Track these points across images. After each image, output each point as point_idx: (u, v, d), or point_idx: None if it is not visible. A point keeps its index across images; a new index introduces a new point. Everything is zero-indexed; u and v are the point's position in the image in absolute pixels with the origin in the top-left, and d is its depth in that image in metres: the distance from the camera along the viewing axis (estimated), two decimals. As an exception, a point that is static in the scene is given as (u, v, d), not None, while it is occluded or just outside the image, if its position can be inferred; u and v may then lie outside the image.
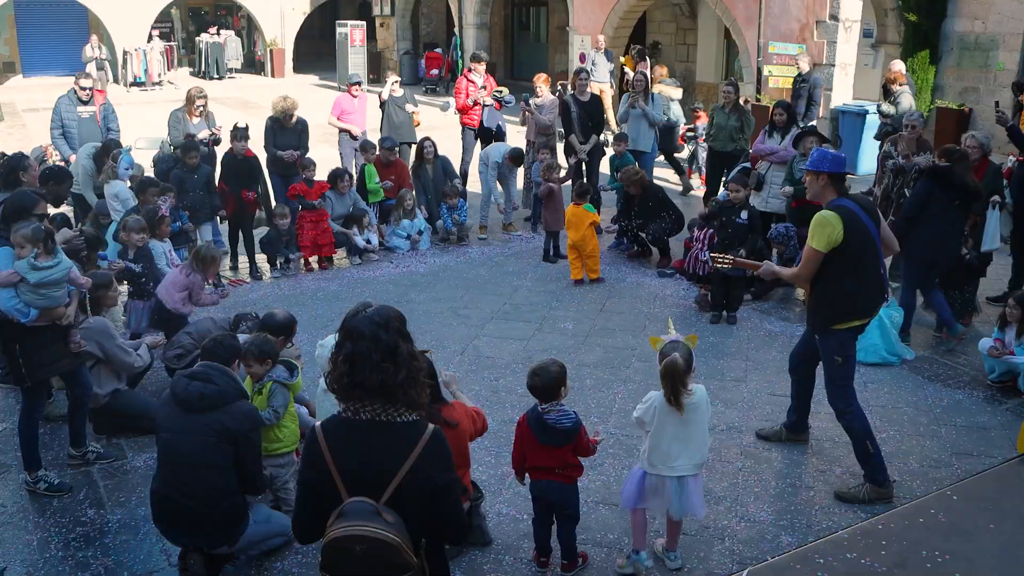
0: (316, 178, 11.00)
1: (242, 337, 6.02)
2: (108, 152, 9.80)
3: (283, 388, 5.53)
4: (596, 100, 12.80)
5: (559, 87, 14.20)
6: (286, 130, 11.50)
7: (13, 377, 6.04)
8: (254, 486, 5.10)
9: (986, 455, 6.30)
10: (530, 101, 13.18)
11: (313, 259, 10.80)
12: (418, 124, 13.96)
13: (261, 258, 10.85)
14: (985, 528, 3.21)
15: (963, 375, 7.80)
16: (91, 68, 26.59)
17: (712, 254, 6.19)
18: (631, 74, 18.38)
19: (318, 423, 3.27)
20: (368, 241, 11.13)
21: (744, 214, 9.22)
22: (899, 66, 14.51)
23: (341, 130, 13.38)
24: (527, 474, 5.10)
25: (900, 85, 13.58)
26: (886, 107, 13.55)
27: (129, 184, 9.51)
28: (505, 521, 5.58)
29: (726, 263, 6.13)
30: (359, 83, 13.77)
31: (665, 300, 9.78)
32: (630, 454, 6.32)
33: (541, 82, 13.22)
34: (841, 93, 16.41)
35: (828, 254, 5.55)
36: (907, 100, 13.16)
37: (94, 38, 29.94)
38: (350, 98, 13.46)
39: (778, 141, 10.45)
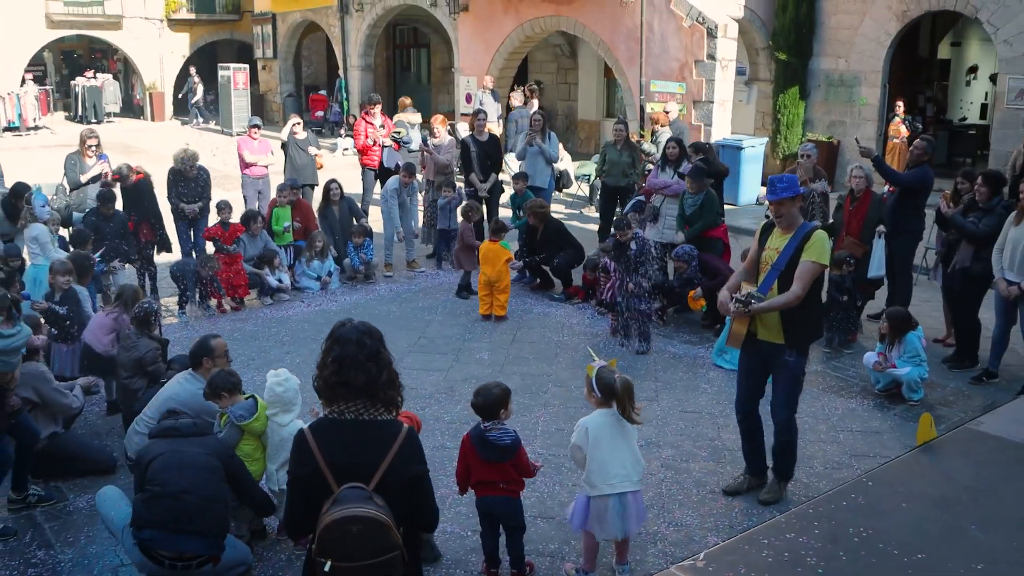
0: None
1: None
2: (19, 196, 9.80)
3: (234, 428, 5.73)
4: (494, 140, 13.28)
5: (447, 127, 14.64)
6: (188, 180, 11.62)
7: None
8: (260, 504, 5.49)
9: (880, 455, 6.92)
10: (428, 141, 13.59)
11: (226, 301, 10.92)
12: (321, 167, 14.22)
13: (168, 300, 10.98)
14: (898, 507, 3.72)
15: (853, 386, 8.49)
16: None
17: (736, 297, 6.07)
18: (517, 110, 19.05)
19: (306, 426, 3.64)
20: (280, 281, 11.32)
21: (633, 245, 9.78)
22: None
23: (244, 172, 13.54)
24: (473, 490, 5.43)
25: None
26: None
27: (46, 223, 9.57)
28: (451, 538, 5.89)
29: (747, 303, 5.96)
30: (258, 125, 13.96)
31: (572, 328, 10.26)
32: (559, 471, 6.73)
33: (438, 123, 13.65)
34: (719, 127, 17.30)
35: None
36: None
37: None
38: (250, 140, 13.63)
39: (671, 175, 11.06)
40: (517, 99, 18.02)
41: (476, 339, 9.92)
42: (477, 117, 13.17)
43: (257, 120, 14.39)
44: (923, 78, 21.70)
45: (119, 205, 10.98)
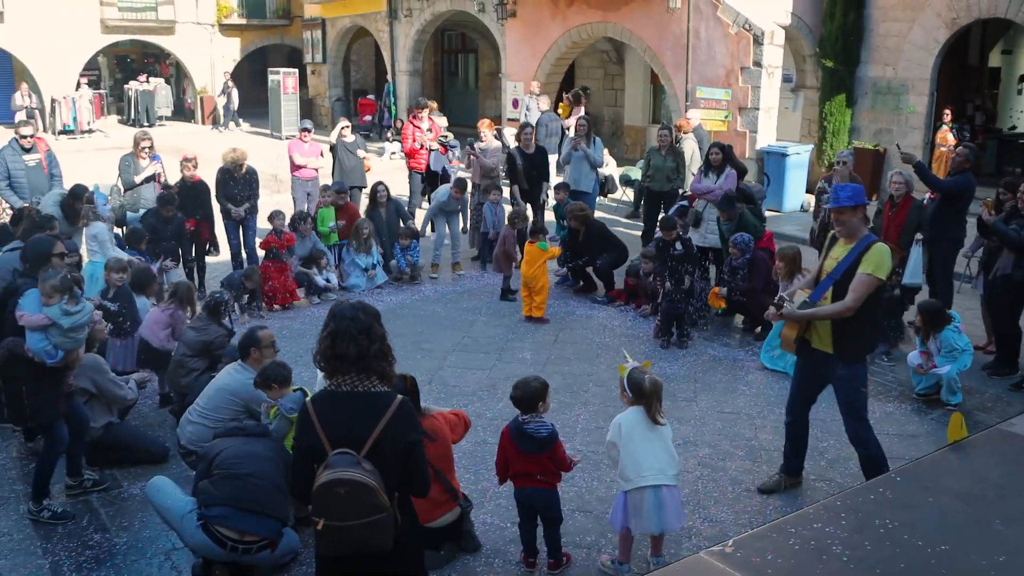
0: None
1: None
2: (77, 198, 10.12)
3: (284, 419, 5.95)
4: (541, 151, 13.35)
5: (494, 131, 14.77)
6: (236, 180, 11.89)
7: (14, 417, 6.41)
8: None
9: (914, 458, 6.97)
10: (475, 145, 13.77)
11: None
12: (368, 170, 14.45)
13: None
14: (924, 502, 3.83)
15: (892, 390, 8.53)
16: (20, 116, 26.57)
17: (774, 304, 6.17)
18: (566, 121, 19.23)
19: (308, 398, 3.98)
20: (327, 280, 11.54)
21: (678, 245, 9.92)
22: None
23: (294, 174, 13.80)
24: (512, 481, 5.59)
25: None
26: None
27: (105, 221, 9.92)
28: (491, 529, 6.06)
29: (779, 307, 6.10)
30: (308, 128, 14.23)
31: (614, 330, 10.38)
32: (597, 467, 6.87)
33: (485, 127, 13.82)
34: (765, 134, 17.32)
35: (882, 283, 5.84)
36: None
37: (24, 86, 29.94)
38: (301, 143, 13.90)
39: (714, 180, 11.15)
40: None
41: (519, 339, 10.07)
42: (524, 131, 13.28)
43: (307, 123, 14.67)
44: (972, 86, 21.51)
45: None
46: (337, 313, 3.87)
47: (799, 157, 17.17)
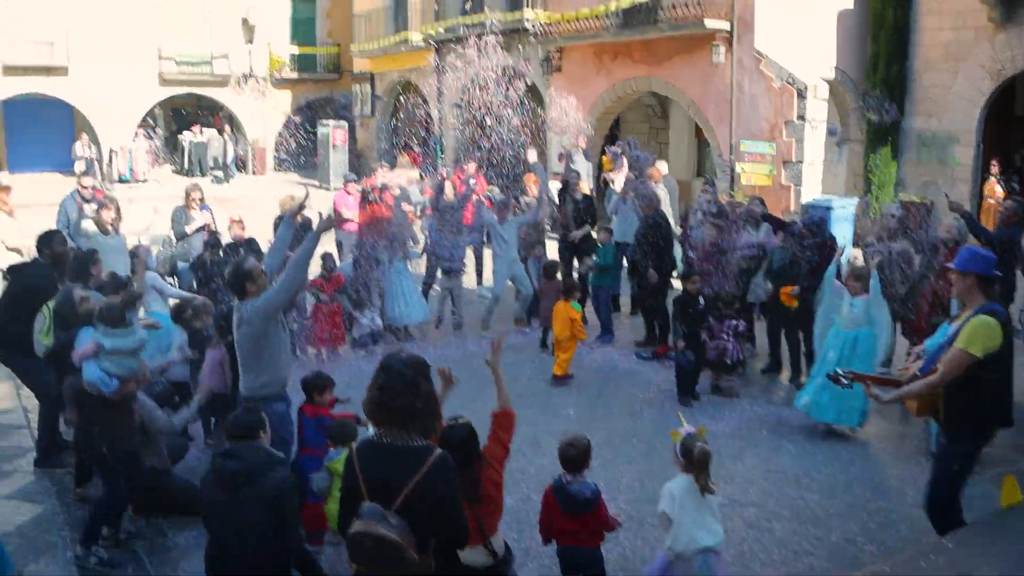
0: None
1: None
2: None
3: (328, 475, 6.05)
4: (587, 199, 13.48)
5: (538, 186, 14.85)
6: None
7: (92, 456, 6.58)
8: (295, 549, 5.40)
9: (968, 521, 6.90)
10: (520, 200, 13.90)
11: (324, 349, 11.28)
12: (413, 221, 14.61)
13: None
14: (978, 570, 3.81)
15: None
16: (80, 166, 27.27)
17: (837, 372, 6.08)
18: (610, 174, 19.33)
19: (354, 446, 4.14)
20: (372, 320, 11.59)
21: (701, 299, 10.01)
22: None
23: (340, 226, 14.01)
24: (555, 539, 5.62)
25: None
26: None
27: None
28: (535, 587, 6.08)
29: (847, 380, 6.00)
30: (354, 180, 14.51)
31: (658, 386, 10.34)
32: (641, 526, 6.87)
33: (530, 182, 13.96)
34: (810, 188, 17.32)
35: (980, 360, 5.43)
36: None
37: (84, 137, 30.84)
38: (345, 195, 14.14)
39: (759, 235, 11.17)
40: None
41: (563, 394, 10.12)
42: (571, 175, 13.46)
43: (353, 175, 14.94)
44: (1019, 138, 21.34)
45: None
46: (386, 365, 4.02)
47: (844, 211, 17.09)
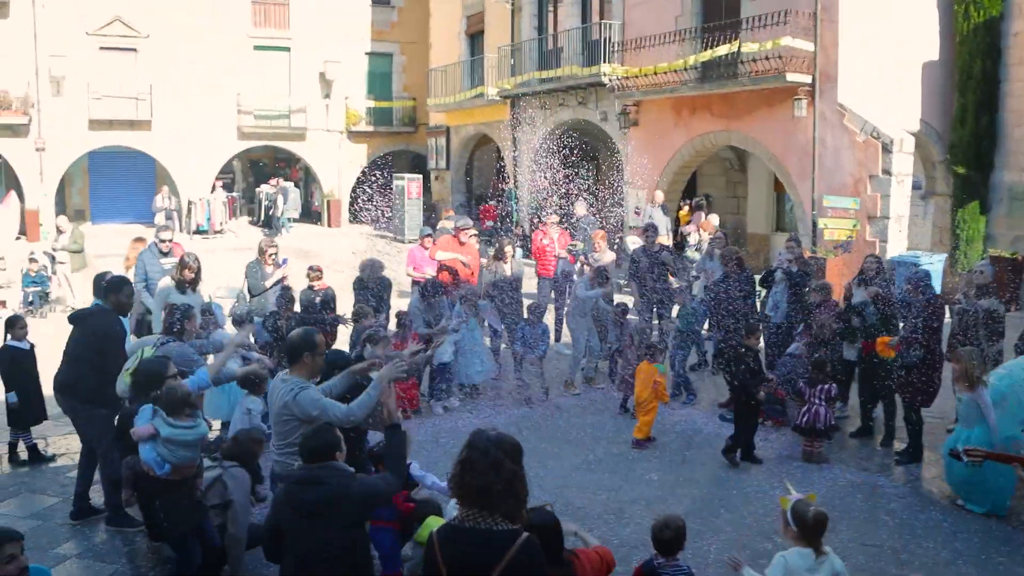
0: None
1: None
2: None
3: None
4: (667, 249, 13.27)
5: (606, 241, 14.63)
6: (367, 289, 12.04)
7: (153, 533, 6.48)
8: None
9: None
10: (588, 256, 13.75)
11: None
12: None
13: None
14: None
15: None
16: (160, 218, 27.78)
17: (966, 449, 6.08)
18: (687, 228, 19.13)
19: (435, 528, 3.95)
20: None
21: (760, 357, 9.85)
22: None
23: (415, 281, 13.93)
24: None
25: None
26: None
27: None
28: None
29: (978, 458, 6.00)
30: (430, 235, 14.46)
31: (779, 483, 9.93)
32: (734, 606, 6.50)
33: (599, 238, 13.80)
34: (895, 244, 16.82)
35: None
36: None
37: (165, 189, 31.53)
38: (422, 250, 14.09)
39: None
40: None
41: (645, 459, 9.78)
42: (647, 233, 13.22)
43: (429, 230, 14.91)
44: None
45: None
46: (472, 442, 3.90)
47: (932, 267, 16.57)
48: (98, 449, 7.96)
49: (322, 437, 5.27)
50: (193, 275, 10.62)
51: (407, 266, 14.08)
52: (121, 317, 8.31)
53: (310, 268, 12.06)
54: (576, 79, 23.84)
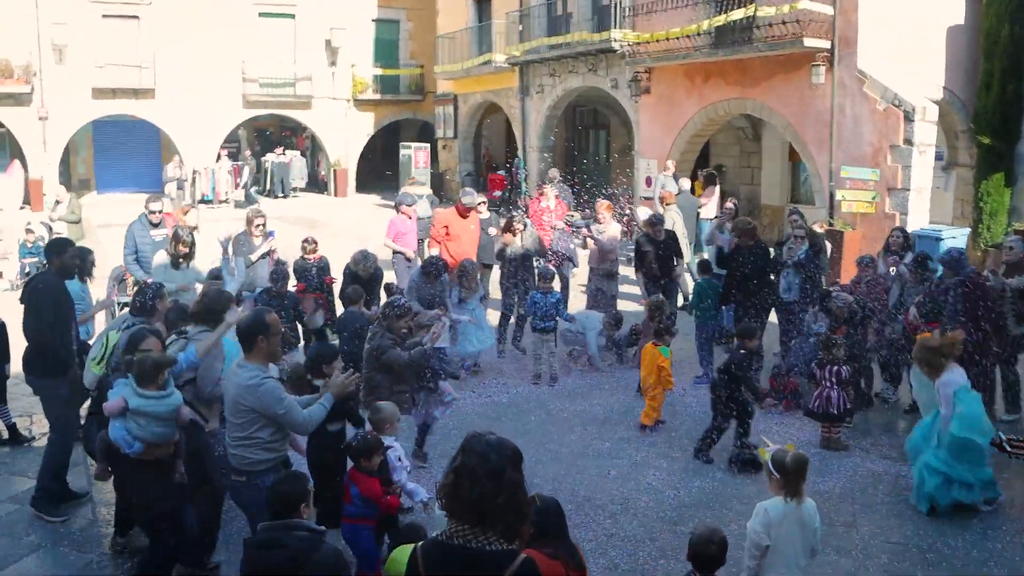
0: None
1: None
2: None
3: None
4: (671, 236, 12.55)
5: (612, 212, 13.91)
6: (359, 279, 11.44)
7: (131, 515, 6.07)
8: None
9: None
10: (591, 227, 13.12)
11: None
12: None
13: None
14: None
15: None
16: (171, 188, 27.16)
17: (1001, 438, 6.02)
18: (700, 200, 18.55)
19: (419, 544, 3.41)
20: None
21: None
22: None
23: (395, 252, 13.63)
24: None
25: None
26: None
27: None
28: None
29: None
30: (411, 204, 14.06)
31: (757, 436, 9.38)
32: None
33: (603, 209, 13.13)
34: (916, 217, 16.20)
35: None
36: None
37: (176, 158, 30.98)
38: (404, 219, 13.72)
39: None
40: (685, 183, 17.59)
41: (655, 444, 9.26)
42: (655, 227, 12.37)
43: (411, 199, 14.82)
44: None
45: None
46: (467, 447, 3.34)
47: (954, 241, 15.98)
48: (50, 428, 7.67)
49: (291, 485, 4.80)
50: (187, 249, 10.20)
51: (386, 236, 13.61)
52: (68, 282, 7.95)
53: (305, 240, 11.64)
54: (586, 45, 23.20)
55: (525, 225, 12.67)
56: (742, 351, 8.95)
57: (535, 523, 4.24)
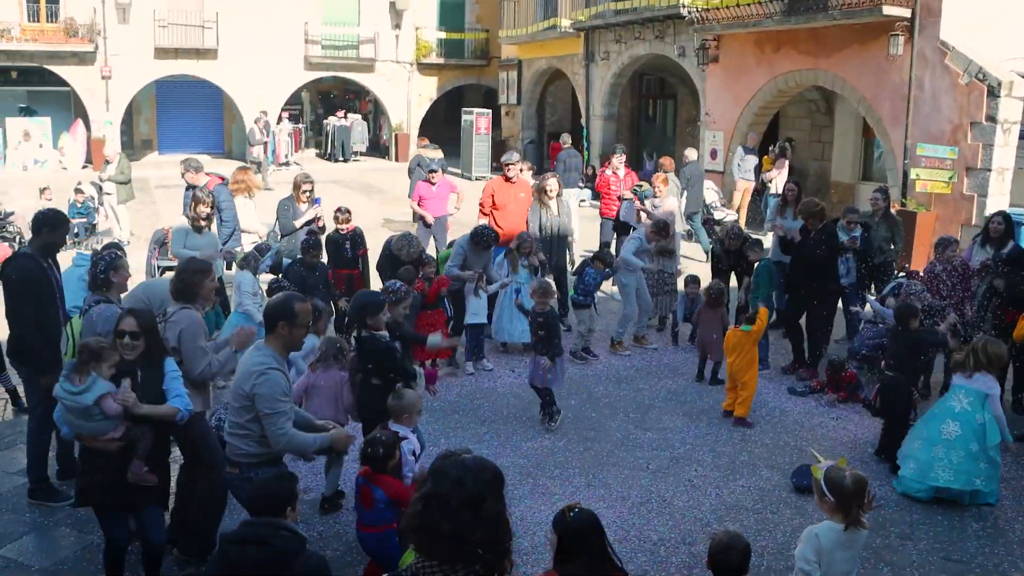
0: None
1: None
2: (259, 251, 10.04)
3: None
4: (739, 251, 11.65)
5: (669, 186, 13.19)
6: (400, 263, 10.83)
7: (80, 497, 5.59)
8: None
9: None
10: (646, 202, 12.63)
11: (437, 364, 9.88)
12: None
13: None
14: None
15: None
16: (258, 151, 26.49)
17: None
18: (769, 174, 17.75)
19: None
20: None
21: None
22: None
23: (417, 215, 13.81)
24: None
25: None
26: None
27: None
28: None
29: None
30: (436, 171, 14.08)
31: (813, 431, 8.78)
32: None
33: (659, 182, 12.55)
34: (997, 199, 15.22)
35: None
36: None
37: (263, 119, 30.11)
38: (428, 186, 13.72)
39: (990, 255, 9.57)
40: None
41: (699, 436, 8.61)
42: (730, 235, 11.50)
43: (437, 165, 14.88)
44: None
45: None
46: (438, 470, 2.79)
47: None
48: (28, 414, 7.28)
49: (277, 485, 4.32)
50: (208, 210, 9.70)
51: (411, 199, 13.45)
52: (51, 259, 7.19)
53: (337, 210, 11.06)
54: (653, 10, 22.42)
55: (560, 188, 11.87)
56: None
57: (570, 545, 3.74)
